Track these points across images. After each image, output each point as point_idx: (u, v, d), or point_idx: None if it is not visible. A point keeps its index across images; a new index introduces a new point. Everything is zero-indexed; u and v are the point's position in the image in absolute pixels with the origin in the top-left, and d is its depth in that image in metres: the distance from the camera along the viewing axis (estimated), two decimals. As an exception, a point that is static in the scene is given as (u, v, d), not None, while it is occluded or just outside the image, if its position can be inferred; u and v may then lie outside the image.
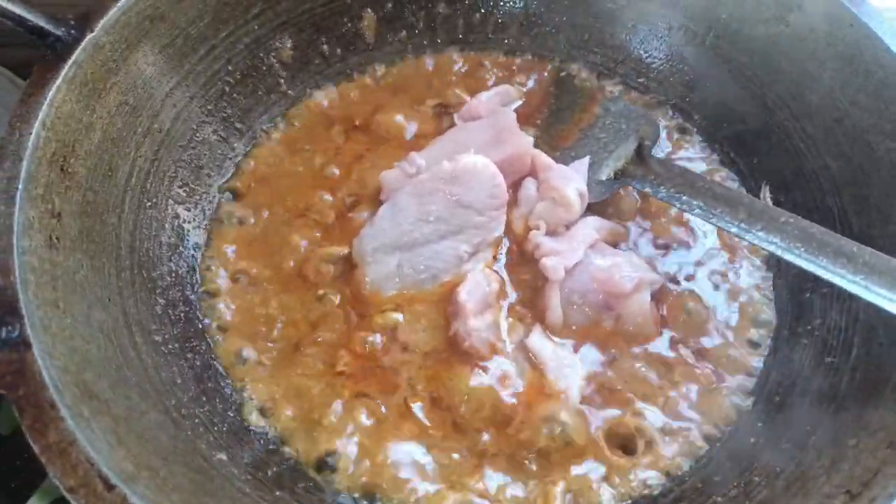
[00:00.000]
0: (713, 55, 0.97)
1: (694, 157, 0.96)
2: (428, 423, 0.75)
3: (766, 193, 0.90)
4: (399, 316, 0.81)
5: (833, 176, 0.85)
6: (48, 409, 0.56)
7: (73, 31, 0.75)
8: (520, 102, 1.00)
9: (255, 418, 0.76)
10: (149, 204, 0.82)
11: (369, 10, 1.00)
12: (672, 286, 0.85)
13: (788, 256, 0.73)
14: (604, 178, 0.89)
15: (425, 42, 1.04)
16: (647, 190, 0.85)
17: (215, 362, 0.79)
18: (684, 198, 0.82)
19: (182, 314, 0.79)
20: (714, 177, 0.94)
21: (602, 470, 0.72)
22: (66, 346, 0.62)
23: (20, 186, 0.66)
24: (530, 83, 1.02)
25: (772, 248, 0.74)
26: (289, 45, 0.97)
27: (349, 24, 1.00)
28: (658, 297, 0.83)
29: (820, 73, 0.87)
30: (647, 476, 0.73)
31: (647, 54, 1.01)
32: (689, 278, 0.86)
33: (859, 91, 0.83)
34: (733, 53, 0.95)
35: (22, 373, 0.57)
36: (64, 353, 0.61)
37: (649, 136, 0.90)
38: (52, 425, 0.55)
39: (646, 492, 0.72)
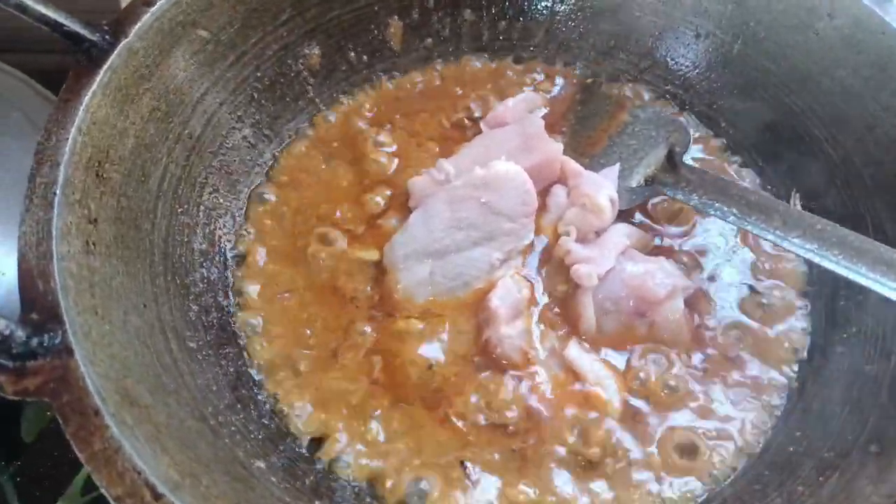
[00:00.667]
0: (741, 63, 0.97)
1: (722, 165, 0.96)
2: (465, 431, 0.74)
3: (796, 201, 0.90)
4: (420, 325, 0.81)
5: (866, 183, 0.85)
6: (92, 416, 0.55)
7: (107, 37, 0.75)
8: (545, 109, 1.00)
9: (289, 426, 0.75)
10: (180, 210, 0.81)
11: (396, 17, 1.00)
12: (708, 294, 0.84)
13: (826, 263, 0.72)
14: (634, 184, 0.88)
15: (451, 49, 1.04)
16: (679, 197, 0.85)
17: (248, 370, 0.78)
18: (717, 205, 0.82)
19: (215, 320, 0.79)
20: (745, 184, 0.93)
21: (649, 475, 0.72)
22: (106, 353, 0.61)
23: (58, 192, 0.66)
24: (556, 90, 1.02)
25: (809, 255, 0.74)
26: (317, 52, 0.97)
27: (376, 32, 1.00)
28: (692, 303, 0.82)
29: (851, 81, 0.87)
30: (689, 486, 0.72)
31: (673, 61, 1.01)
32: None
33: (892, 97, 0.83)
34: (761, 61, 0.95)
35: (65, 379, 0.56)
36: (104, 359, 0.60)
37: (680, 142, 0.90)
38: (97, 433, 0.54)
39: (688, 502, 0.71)
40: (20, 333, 0.56)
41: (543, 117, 0.95)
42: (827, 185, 0.89)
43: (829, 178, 0.89)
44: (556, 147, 0.88)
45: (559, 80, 1.03)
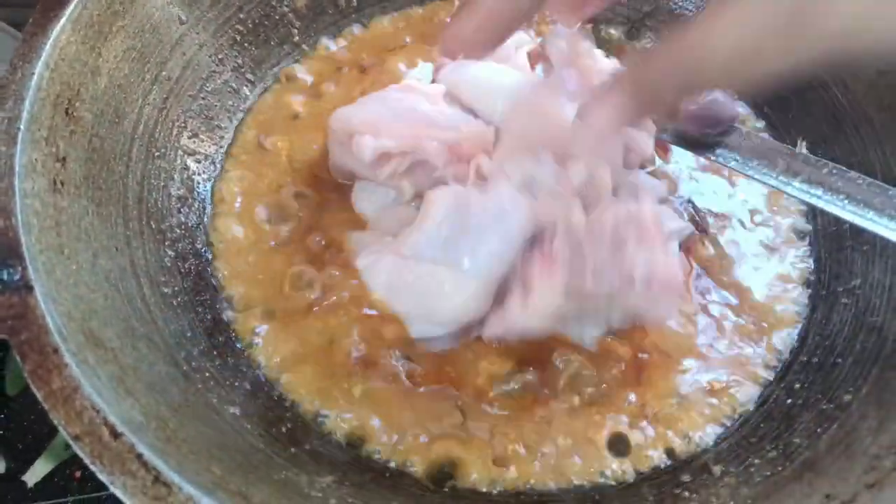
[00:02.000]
0: (747, 5, 0.92)
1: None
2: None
3: (802, 148, 0.86)
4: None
5: (875, 129, 0.81)
6: (52, 354, 0.53)
7: (77, -30, 0.72)
8: (529, 45, 0.95)
9: (266, 374, 0.72)
10: (157, 154, 0.78)
11: (389, -44, 0.96)
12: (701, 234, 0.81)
13: (832, 209, 0.69)
14: None
15: (445, -9, 1.00)
16: (676, 142, 0.81)
17: (224, 315, 0.75)
18: (718, 150, 0.78)
19: (192, 267, 0.76)
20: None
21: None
22: (71, 293, 0.59)
23: (22, 127, 0.63)
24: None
25: (814, 201, 0.70)
26: (303, -7, 0.93)
27: (367, -29, 0.97)
28: (688, 245, 0.79)
29: (862, 22, 0.83)
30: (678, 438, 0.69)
31: (676, 5, 0.97)
32: (721, 230, 0.82)
33: (905, 39, 0.79)
34: (769, 3, 0.90)
35: (24, 317, 0.54)
36: (68, 299, 0.58)
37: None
38: (55, 371, 0.52)
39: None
40: (-24, 269, 0.54)
41: (530, 55, 0.91)
42: (835, 131, 0.85)
43: (837, 124, 0.85)
44: (522, 58, 0.84)
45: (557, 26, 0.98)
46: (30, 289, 0.55)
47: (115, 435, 0.50)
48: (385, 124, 0.73)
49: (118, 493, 0.48)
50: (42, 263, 0.58)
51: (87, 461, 0.49)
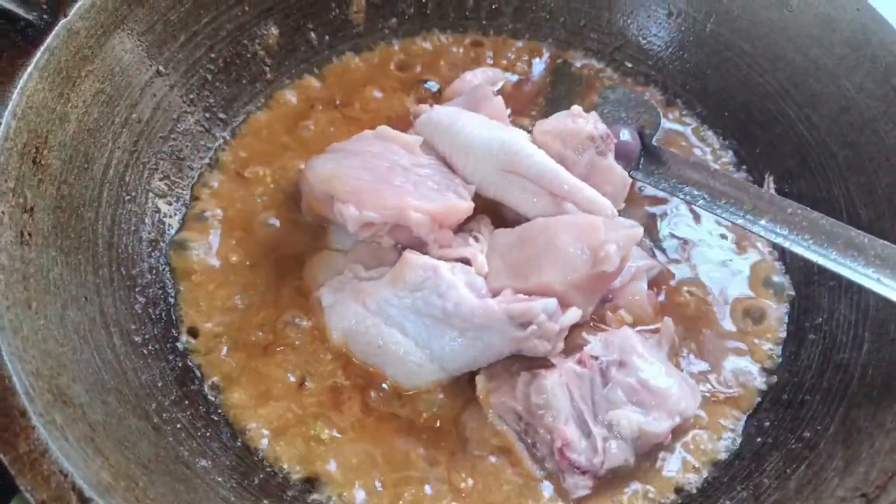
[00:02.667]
0: (714, 42, 0.94)
1: (694, 147, 0.93)
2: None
3: (769, 184, 0.88)
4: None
5: (839, 165, 0.82)
6: (18, 416, 0.52)
7: (45, 16, 0.71)
8: (503, 83, 0.96)
9: (237, 422, 0.71)
10: (128, 198, 0.78)
11: (359, -6, 0.97)
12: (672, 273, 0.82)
13: (796, 248, 0.70)
14: None
15: (416, 27, 1.00)
16: (650, 181, 0.82)
17: (191, 360, 0.75)
18: (687, 188, 0.79)
19: (163, 313, 0.75)
20: (716, 167, 0.91)
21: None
22: (39, 350, 0.58)
23: (-11, 179, 0.62)
24: (527, 69, 0.98)
25: (779, 240, 0.71)
26: (274, 32, 0.93)
27: (337, 10, 0.97)
28: (656, 284, 0.80)
29: (825, 60, 0.85)
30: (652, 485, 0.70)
31: (645, 41, 0.98)
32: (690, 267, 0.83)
33: (866, 77, 0.81)
34: (735, 40, 0.92)
35: (-11, 379, 0.53)
36: (36, 356, 0.57)
37: (650, 124, 0.87)
38: (22, 435, 0.51)
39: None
40: (-59, 331, 0.53)
41: (514, 97, 0.92)
42: (800, 166, 0.86)
43: (802, 159, 0.86)
44: (499, 102, 0.84)
45: (529, 60, 1.00)
46: (-4, 349, 0.54)
47: (84, 500, 0.49)
48: (368, 193, 0.72)
49: (86, 561, 0.47)
50: (9, 321, 0.57)
51: (54, 529, 0.48)
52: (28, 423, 0.52)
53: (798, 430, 0.68)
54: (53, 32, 0.71)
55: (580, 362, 0.70)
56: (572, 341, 0.73)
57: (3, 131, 0.65)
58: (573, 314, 0.71)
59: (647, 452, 0.69)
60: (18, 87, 0.67)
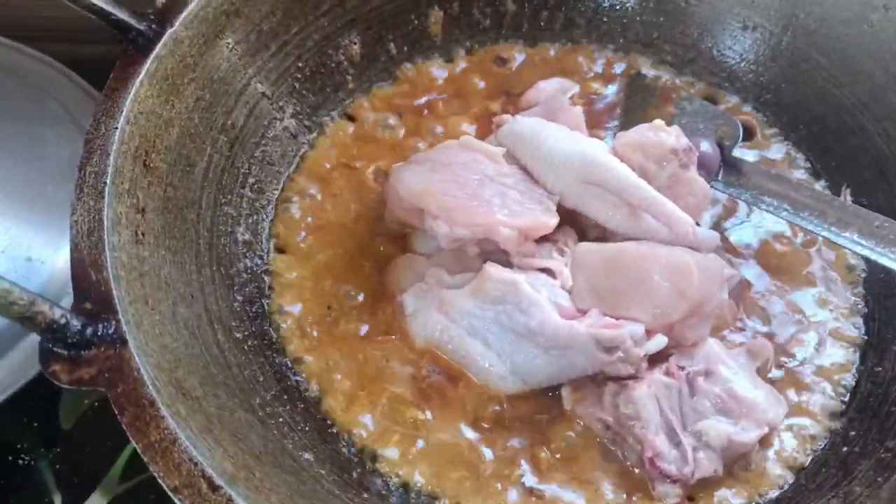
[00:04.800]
0: (790, 55, 0.95)
1: (771, 160, 0.94)
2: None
3: (846, 195, 0.88)
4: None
5: (919, 179, 0.83)
6: (147, 406, 0.55)
7: (153, 26, 0.75)
8: (575, 92, 0.98)
9: (330, 415, 0.74)
10: (224, 200, 0.81)
11: (436, 7, 0.99)
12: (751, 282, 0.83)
13: (884, 261, 0.71)
14: None
15: (491, 39, 1.03)
16: (731, 192, 0.83)
17: (287, 357, 0.78)
18: (769, 199, 0.80)
19: (259, 311, 0.78)
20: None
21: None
22: (158, 344, 0.61)
23: (108, 181, 0.66)
24: (600, 86, 1.00)
25: (865, 252, 0.72)
26: (357, 42, 0.96)
27: (416, 22, 0.99)
28: (737, 294, 0.81)
29: (904, 74, 0.86)
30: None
31: (719, 53, 1.00)
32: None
33: (949, 91, 0.81)
34: (811, 54, 0.93)
35: (119, 369, 0.56)
36: (156, 349, 0.60)
37: (729, 136, 0.88)
38: (152, 423, 0.54)
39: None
40: (75, 323, 0.56)
41: (590, 111, 0.93)
42: (878, 180, 0.87)
43: (880, 173, 0.87)
44: (577, 112, 0.86)
45: (602, 73, 1.01)
46: (124, 342, 0.57)
47: (214, 488, 0.52)
48: (460, 211, 0.75)
49: (218, 546, 0.50)
50: (132, 315, 0.60)
51: (187, 513, 0.51)
52: (157, 413, 0.54)
53: (886, 440, 0.69)
54: (161, 42, 0.75)
55: (668, 373, 0.71)
56: (656, 353, 0.74)
57: (119, 136, 0.68)
58: (659, 341, 0.72)
59: (735, 461, 0.70)
60: (131, 94, 0.71)
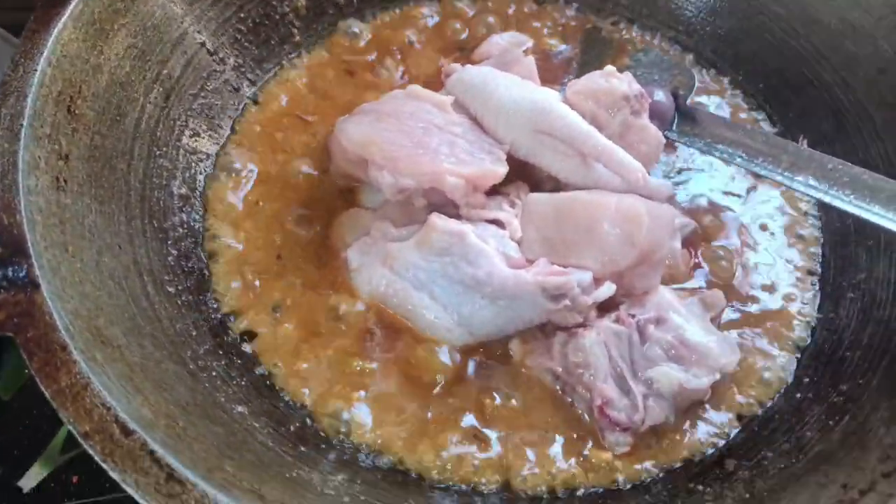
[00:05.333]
0: (747, 6, 0.93)
1: (729, 111, 0.92)
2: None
3: (803, 145, 0.87)
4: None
5: (877, 127, 0.82)
6: (59, 351, 0.52)
7: (79, -33, 0.71)
8: (530, 44, 0.96)
9: (270, 370, 0.71)
10: (159, 152, 0.78)
11: (387, -42, 0.96)
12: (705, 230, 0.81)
13: (838, 203, 0.69)
14: None
15: (444, -5, 1.00)
16: (684, 140, 0.81)
17: (225, 311, 0.75)
18: (722, 146, 0.78)
19: (195, 266, 0.75)
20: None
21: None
22: (77, 291, 0.58)
23: (25, 123, 0.62)
24: (557, 42, 0.97)
25: (819, 196, 0.70)
26: (303, -7, 0.93)
27: (364, -27, 0.96)
28: (690, 242, 0.79)
29: (862, 22, 0.84)
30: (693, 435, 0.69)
31: (676, 5, 0.98)
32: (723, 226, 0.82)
33: (905, 37, 0.80)
34: (768, 4, 0.91)
35: (30, 314, 0.53)
36: (74, 297, 0.57)
37: (684, 85, 0.86)
38: (63, 369, 0.51)
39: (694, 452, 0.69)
40: (-19, 266, 0.53)
41: (545, 65, 0.91)
42: (836, 130, 0.85)
43: (838, 122, 0.85)
44: (530, 62, 0.84)
45: (558, 26, 0.99)
46: (36, 286, 0.54)
47: (126, 432, 0.49)
48: (405, 160, 0.72)
49: (130, 491, 0.47)
50: (47, 261, 0.57)
51: (97, 459, 0.48)
52: (69, 358, 0.51)
53: (839, 385, 0.68)
54: (87, -17, 0.71)
55: (617, 320, 0.69)
56: (606, 301, 0.72)
57: (39, 78, 0.65)
58: (608, 289, 0.71)
59: (688, 409, 0.69)
60: (53, 35, 0.67)
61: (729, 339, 0.71)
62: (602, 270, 0.70)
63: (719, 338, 0.70)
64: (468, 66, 0.82)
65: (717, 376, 0.68)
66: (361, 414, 0.68)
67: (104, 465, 0.48)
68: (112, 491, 0.82)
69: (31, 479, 0.83)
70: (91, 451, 0.48)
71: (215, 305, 0.74)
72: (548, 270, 0.69)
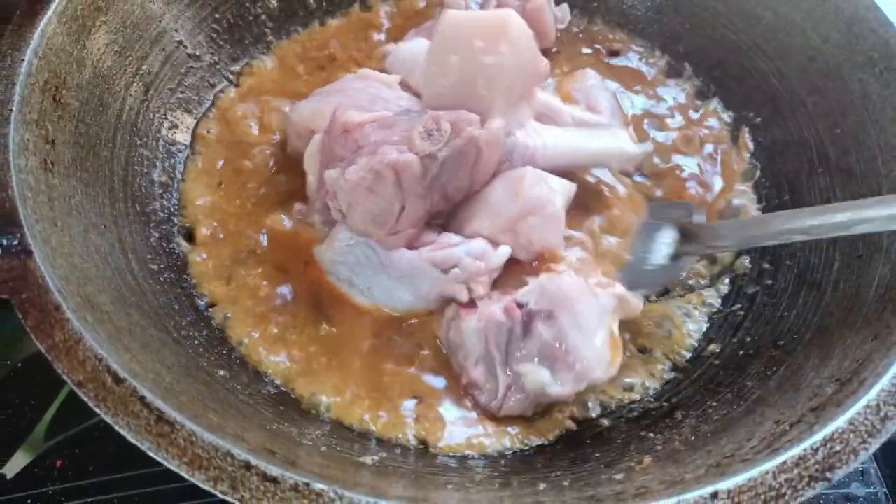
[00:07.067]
0: (691, 4, 1.00)
1: (679, 105, 0.99)
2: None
3: (746, 135, 0.93)
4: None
5: (809, 111, 0.88)
6: (53, 311, 0.55)
7: (63, -34, 0.75)
8: None
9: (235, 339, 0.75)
10: (139, 142, 0.82)
11: (353, -39, 1.02)
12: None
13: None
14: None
15: (408, -3, 1.06)
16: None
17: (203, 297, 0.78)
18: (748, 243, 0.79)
19: (177, 248, 0.79)
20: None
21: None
22: (66, 261, 0.62)
23: (14, 108, 0.66)
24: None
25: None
26: (275, -4, 0.98)
27: (333, -24, 1.02)
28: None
29: (793, 15, 0.91)
30: (635, 385, 0.75)
31: (628, 5, 1.04)
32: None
33: (831, 28, 0.87)
34: (709, 2, 0.98)
35: (24, 278, 0.56)
36: (64, 266, 0.61)
37: (683, 216, 0.83)
38: (57, 326, 0.55)
39: (633, 400, 0.75)
40: (-23, 235, 0.56)
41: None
42: (773, 114, 0.92)
43: (775, 108, 0.92)
44: None
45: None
46: (29, 253, 0.58)
47: (118, 381, 0.52)
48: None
49: (123, 433, 0.51)
50: (38, 232, 0.60)
51: (91, 404, 0.51)
52: (62, 317, 0.55)
53: (776, 341, 0.73)
54: (70, -18, 0.75)
55: (506, 310, 0.69)
56: (514, 280, 0.75)
57: (26, 68, 0.69)
58: (503, 251, 0.73)
59: (547, 405, 0.73)
60: (39, 28, 0.71)
61: (612, 352, 0.70)
62: (492, 227, 0.73)
63: (600, 350, 0.69)
64: (401, 43, 0.87)
65: (581, 388, 0.69)
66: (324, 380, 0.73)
67: (97, 410, 0.51)
68: (96, 475, 0.83)
69: (14, 466, 0.84)
70: (85, 398, 0.52)
71: (194, 282, 0.78)
72: (437, 245, 0.73)
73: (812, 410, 0.58)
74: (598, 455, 0.66)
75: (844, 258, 0.75)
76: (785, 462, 0.51)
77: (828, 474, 0.51)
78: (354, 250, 0.75)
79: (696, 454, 0.60)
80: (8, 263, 0.57)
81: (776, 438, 0.56)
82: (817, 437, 0.53)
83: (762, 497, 0.50)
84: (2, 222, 0.59)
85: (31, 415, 0.88)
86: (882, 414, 0.54)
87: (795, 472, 0.51)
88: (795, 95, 0.90)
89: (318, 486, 0.49)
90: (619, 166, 0.84)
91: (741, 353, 0.75)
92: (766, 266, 0.83)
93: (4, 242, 0.58)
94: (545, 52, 0.89)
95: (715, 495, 0.50)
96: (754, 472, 0.51)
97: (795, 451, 0.52)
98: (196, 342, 0.69)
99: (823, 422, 0.54)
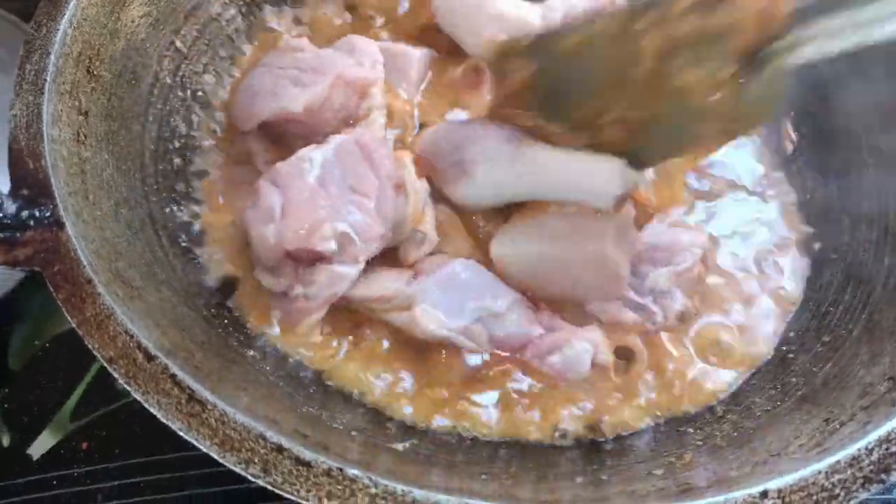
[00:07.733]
0: None
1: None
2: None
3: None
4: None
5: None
6: (84, 284, 0.54)
7: (96, -64, 0.74)
8: None
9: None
10: (172, 120, 0.80)
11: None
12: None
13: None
14: None
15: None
16: None
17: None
18: None
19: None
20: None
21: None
22: (98, 235, 0.61)
23: (48, 79, 0.65)
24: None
25: None
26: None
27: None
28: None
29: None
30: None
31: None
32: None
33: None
34: None
35: (56, 250, 0.56)
36: (96, 239, 0.60)
37: None
38: (89, 300, 0.54)
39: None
40: (11, 205, 0.56)
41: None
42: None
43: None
44: None
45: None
46: (61, 225, 0.57)
47: (149, 357, 0.51)
48: None
49: (154, 411, 0.50)
50: (71, 205, 0.60)
51: (121, 381, 0.51)
52: (94, 291, 0.54)
53: (822, 337, 0.71)
54: (104, -49, 0.74)
55: None
56: None
57: (61, 38, 0.68)
58: None
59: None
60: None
61: None
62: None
63: None
64: None
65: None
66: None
67: (128, 387, 0.50)
68: (122, 458, 0.83)
69: (40, 447, 0.84)
70: (115, 375, 0.51)
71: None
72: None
73: (864, 409, 0.56)
74: (635, 450, 0.65)
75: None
76: (839, 462, 0.49)
77: (883, 476, 0.49)
78: None
79: (739, 451, 0.58)
80: (41, 235, 0.56)
81: (826, 437, 0.54)
82: (871, 437, 0.51)
83: (814, 498, 0.48)
84: (35, 192, 0.58)
85: (58, 396, 0.88)
86: (940, 414, 0.52)
87: (849, 472, 0.49)
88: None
89: (352, 471, 0.48)
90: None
91: (784, 347, 0.73)
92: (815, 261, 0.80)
93: (37, 214, 0.57)
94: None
95: (765, 494, 0.48)
96: (806, 472, 0.49)
97: (849, 450, 0.50)
98: (226, 321, 0.68)
99: (878, 421, 0.52)
